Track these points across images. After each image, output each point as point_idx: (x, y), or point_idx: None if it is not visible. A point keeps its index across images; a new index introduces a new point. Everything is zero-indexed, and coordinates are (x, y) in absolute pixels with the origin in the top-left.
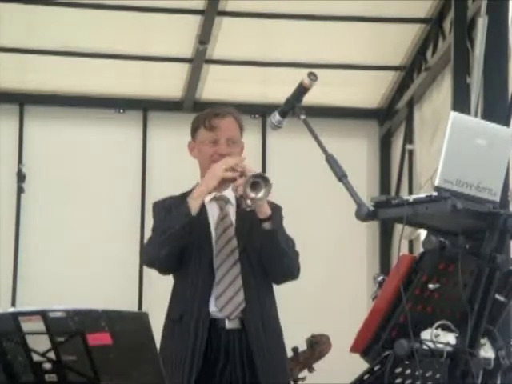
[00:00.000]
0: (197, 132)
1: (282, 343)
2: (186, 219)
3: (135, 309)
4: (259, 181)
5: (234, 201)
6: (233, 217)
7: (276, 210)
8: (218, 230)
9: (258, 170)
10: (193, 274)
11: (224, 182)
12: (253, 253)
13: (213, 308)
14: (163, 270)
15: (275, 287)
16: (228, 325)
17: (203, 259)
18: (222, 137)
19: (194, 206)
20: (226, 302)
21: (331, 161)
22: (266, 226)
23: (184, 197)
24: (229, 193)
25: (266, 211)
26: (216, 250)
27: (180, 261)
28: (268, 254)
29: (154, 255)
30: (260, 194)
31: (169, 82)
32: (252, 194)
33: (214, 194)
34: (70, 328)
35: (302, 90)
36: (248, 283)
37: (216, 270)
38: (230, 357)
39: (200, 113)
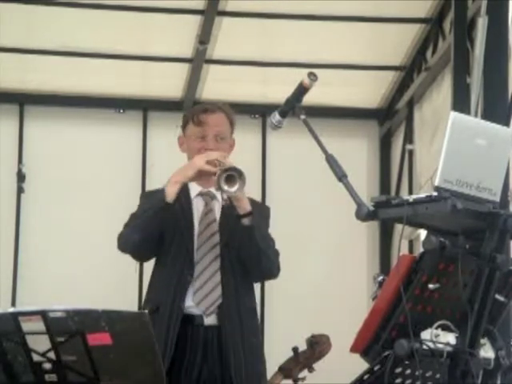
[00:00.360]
0: (186, 127)
1: (258, 342)
2: (160, 204)
3: (135, 309)
4: (234, 174)
5: (220, 197)
6: (217, 213)
7: (262, 209)
8: (202, 224)
9: (258, 170)
10: (171, 266)
11: (201, 174)
12: (235, 249)
13: (190, 303)
14: (136, 256)
15: (276, 287)
16: (206, 321)
17: (183, 252)
18: (209, 132)
19: (169, 192)
20: (202, 297)
21: (331, 161)
22: (245, 221)
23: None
24: (213, 189)
25: (245, 207)
26: (197, 244)
27: (154, 249)
28: (246, 250)
29: (127, 239)
30: (234, 188)
31: (169, 82)
32: (225, 187)
33: (200, 189)
34: (70, 328)
35: (302, 90)
36: (227, 279)
37: (196, 265)
38: (208, 354)
39: (189, 109)
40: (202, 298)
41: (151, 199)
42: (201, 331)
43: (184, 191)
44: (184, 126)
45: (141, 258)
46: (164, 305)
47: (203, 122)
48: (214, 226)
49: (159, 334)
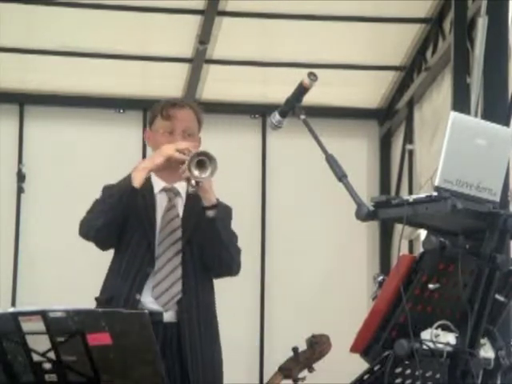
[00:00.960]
0: (154, 121)
1: (217, 341)
2: (125, 189)
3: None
4: (205, 160)
5: (184, 194)
6: (180, 209)
7: (225, 209)
8: (164, 220)
9: (258, 170)
10: (130, 258)
11: (170, 162)
12: (197, 246)
13: (148, 298)
14: (98, 243)
15: (276, 287)
16: (165, 318)
17: (145, 246)
18: (178, 127)
19: (136, 178)
20: (162, 292)
21: (331, 161)
22: (210, 213)
23: None
24: (179, 185)
25: (210, 198)
26: (159, 239)
27: (115, 236)
28: (208, 243)
29: (90, 225)
30: (206, 174)
31: (169, 82)
32: (196, 173)
33: (164, 184)
34: (70, 328)
35: (302, 89)
36: (187, 275)
37: (156, 260)
38: (167, 351)
39: (157, 102)
40: (161, 293)
41: (115, 186)
42: (160, 328)
43: (148, 186)
44: (151, 121)
45: (103, 244)
46: (118, 296)
47: (172, 116)
48: (176, 221)
49: None
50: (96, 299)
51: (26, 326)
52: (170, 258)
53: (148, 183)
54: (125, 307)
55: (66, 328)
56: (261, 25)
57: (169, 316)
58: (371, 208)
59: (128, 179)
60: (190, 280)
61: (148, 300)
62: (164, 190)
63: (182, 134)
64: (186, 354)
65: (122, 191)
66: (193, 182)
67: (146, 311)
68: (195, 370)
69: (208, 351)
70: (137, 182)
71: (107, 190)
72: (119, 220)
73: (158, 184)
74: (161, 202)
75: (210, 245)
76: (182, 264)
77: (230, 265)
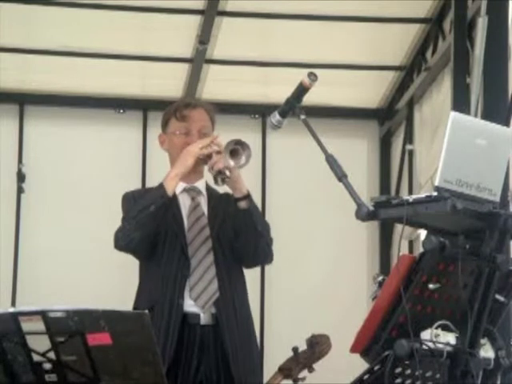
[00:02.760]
0: (168, 124)
1: (254, 336)
2: (161, 200)
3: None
4: (238, 148)
5: (205, 192)
6: (204, 207)
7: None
8: (191, 219)
9: (258, 170)
10: (166, 263)
11: (200, 161)
12: (226, 241)
13: (187, 301)
14: (137, 254)
15: (276, 287)
16: (202, 320)
17: (178, 248)
18: (193, 127)
19: (169, 187)
20: (200, 292)
21: (331, 161)
22: (242, 204)
23: (152, 188)
24: (200, 184)
25: (242, 189)
26: (189, 239)
27: (152, 246)
28: (244, 234)
29: (128, 238)
30: (242, 161)
31: (169, 82)
32: (232, 162)
33: (184, 185)
34: (69, 328)
35: (301, 89)
36: (221, 272)
37: (190, 260)
38: (205, 354)
39: (170, 105)
40: (199, 293)
41: (147, 197)
42: (197, 330)
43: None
44: (165, 124)
45: (141, 255)
46: (161, 303)
47: (187, 117)
48: (203, 219)
49: (157, 334)
50: (135, 309)
51: (26, 325)
52: (202, 257)
53: None
54: (170, 314)
55: (66, 328)
56: (261, 25)
57: (206, 318)
58: (371, 208)
59: (161, 189)
60: (224, 277)
61: (187, 303)
62: (185, 190)
63: (198, 134)
64: (227, 358)
65: (157, 202)
66: (227, 172)
67: (146, 311)
68: (239, 373)
69: (248, 350)
70: (170, 190)
71: (128, 199)
72: (155, 231)
73: (179, 185)
74: (184, 202)
75: (246, 235)
76: (215, 262)
77: (266, 252)
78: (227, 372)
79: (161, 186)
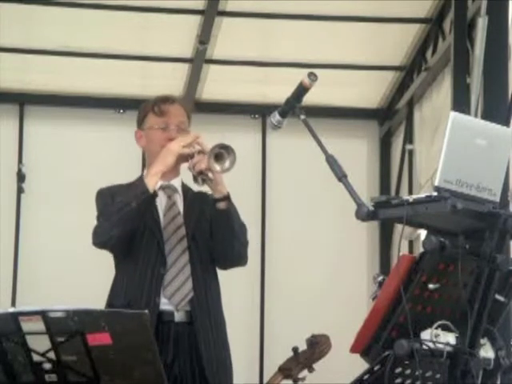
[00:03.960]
0: (145, 119)
1: (225, 335)
2: (143, 196)
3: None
4: (223, 152)
5: (180, 190)
6: (180, 205)
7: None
8: (167, 217)
9: (258, 170)
10: (143, 260)
11: (181, 159)
12: (201, 241)
13: (161, 299)
14: (116, 250)
15: (276, 286)
16: (176, 317)
17: (153, 246)
18: (172, 122)
19: (150, 184)
20: (174, 291)
21: (331, 161)
22: (222, 205)
23: (129, 185)
24: (176, 182)
25: (222, 190)
26: (165, 237)
27: (129, 243)
28: (220, 235)
29: (108, 234)
30: (226, 165)
31: (169, 82)
32: (218, 167)
33: (161, 182)
34: (69, 328)
35: (301, 89)
36: (196, 272)
37: (166, 257)
38: (180, 351)
39: (146, 101)
40: (173, 292)
41: (128, 193)
42: (172, 327)
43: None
44: (141, 120)
45: (119, 251)
46: (137, 300)
47: (166, 112)
48: (179, 218)
49: None
50: (110, 306)
51: (26, 325)
52: (177, 256)
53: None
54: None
55: (66, 328)
56: (261, 25)
57: (180, 315)
58: (371, 208)
59: (142, 185)
60: (199, 277)
61: (162, 301)
62: (161, 187)
63: (176, 129)
64: (201, 354)
65: (139, 199)
66: (210, 175)
67: (146, 311)
68: (211, 369)
69: (221, 350)
70: (151, 187)
71: (103, 195)
72: (134, 229)
73: None
74: (160, 199)
75: (223, 236)
76: (190, 261)
77: (242, 254)
78: (201, 369)
79: (141, 183)
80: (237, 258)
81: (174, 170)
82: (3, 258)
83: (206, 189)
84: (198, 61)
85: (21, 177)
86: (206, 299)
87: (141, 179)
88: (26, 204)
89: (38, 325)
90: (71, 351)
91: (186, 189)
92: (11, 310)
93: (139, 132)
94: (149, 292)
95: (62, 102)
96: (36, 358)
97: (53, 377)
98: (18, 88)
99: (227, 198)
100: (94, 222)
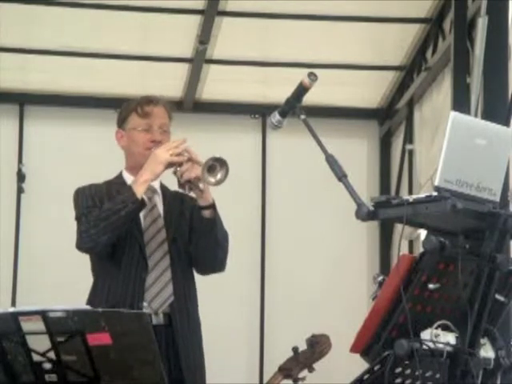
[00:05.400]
0: (127, 120)
1: (201, 338)
2: (133, 205)
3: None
4: (216, 165)
5: (159, 190)
6: (160, 207)
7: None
8: (147, 221)
9: (258, 170)
10: (126, 264)
11: (168, 166)
12: (182, 245)
13: (144, 303)
14: (99, 254)
15: (276, 286)
16: (154, 320)
17: (135, 249)
18: (155, 123)
19: (139, 192)
20: (154, 295)
21: (331, 161)
22: (207, 213)
23: (108, 184)
24: (156, 183)
25: (208, 198)
26: (146, 240)
27: (113, 247)
28: (204, 243)
29: (95, 240)
30: (218, 177)
31: (169, 82)
32: (212, 179)
33: None
34: (69, 328)
35: (301, 89)
36: (176, 276)
37: (147, 260)
38: None
39: (128, 101)
40: (153, 297)
41: (116, 200)
42: None
43: (124, 187)
44: (123, 120)
45: (102, 255)
46: (121, 304)
47: (149, 114)
48: (159, 221)
49: None
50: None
51: (26, 325)
52: (158, 259)
53: (123, 183)
54: None
55: (66, 328)
56: (261, 25)
57: (158, 318)
58: (371, 208)
59: (130, 194)
60: (179, 281)
61: (143, 305)
62: None
63: (160, 131)
64: (180, 357)
65: (128, 208)
66: (201, 185)
67: (146, 311)
68: (189, 372)
69: (198, 352)
70: (140, 195)
71: (83, 195)
72: (123, 235)
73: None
74: None
75: (206, 244)
76: (171, 265)
77: (222, 261)
78: (178, 371)
79: (129, 191)
80: (218, 266)
81: None
82: (3, 258)
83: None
84: (198, 61)
85: (21, 177)
86: (185, 302)
87: (128, 186)
88: (26, 204)
89: (38, 325)
90: (71, 351)
91: (164, 189)
92: (11, 309)
93: (120, 132)
94: (132, 296)
95: (62, 101)
96: (36, 357)
97: (53, 377)
98: (18, 88)
99: (213, 206)
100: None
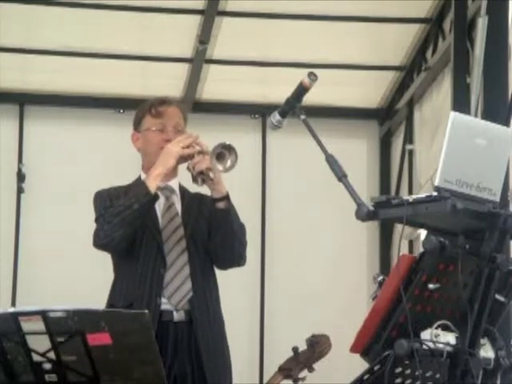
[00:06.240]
0: (142, 121)
1: (225, 335)
2: (145, 198)
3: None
4: (225, 152)
5: (178, 191)
6: (178, 206)
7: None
8: (165, 219)
9: (258, 170)
10: (144, 261)
11: (181, 160)
12: (200, 242)
13: (161, 299)
14: (117, 252)
15: (276, 287)
16: (176, 317)
17: (153, 247)
18: (169, 123)
19: (152, 186)
20: (173, 291)
21: (331, 161)
22: (221, 205)
23: (127, 187)
24: (174, 183)
25: (221, 190)
26: (164, 238)
27: (130, 244)
28: (220, 235)
29: (110, 236)
30: (228, 164)
31: (169, 82)
32: (220, 167)
33: (158, 183)
34: (70, 328)
35: (301, 89)
36: (195, 272)
37: (166, 257)
38: (178, 351)
39: (142, 104)
40: (172, 292)
41: (129, 195)
42: (170, 327)
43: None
44: (138, 122)
45: (120, 253)
46: (139, 301)
47: (162, 114)
48: (177, 219)
49: None
50: (111, 307)
51: (26, 325)
52: (176, 256)
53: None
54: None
55: (66, 328)
56: (261, 25)
57: (179, 315)
58: (371, 208)
59: (143, 188)
60: (197, 277)
61: (161, 301)
62: (159, 188)
63: (174, 130)
64: (201, 354)
65: (140, 201)
66: (211, 174)
67: (146, 311)
68: (211, 369)
69: (221, 349)
70: (153, 189)
71: (102, 197)
72: (135, 230)
73: None
74: (158, 200)
75: (223, 236)
76: (189, 262)
77: (241, 254)
78: (200, 369)
79: (142, 185)
80: (236, 259)
81: (172, 171)
82: (3, 257)
83: (204, 190)
84: (198, 61)
85: (21, 177)
86: (205, 299)
87: (141, 181)
88: (26, 204)
89: (38, 325)
90: (71, 351)
91: (183, 190)
92: (11, 309)
93: (136, 134)
94: (150, 293)
95: (62, 101)
96: (36, 358)
97: (53, 377)
98: (18, 88)
99: (226, 197)
100: (93, 223)
